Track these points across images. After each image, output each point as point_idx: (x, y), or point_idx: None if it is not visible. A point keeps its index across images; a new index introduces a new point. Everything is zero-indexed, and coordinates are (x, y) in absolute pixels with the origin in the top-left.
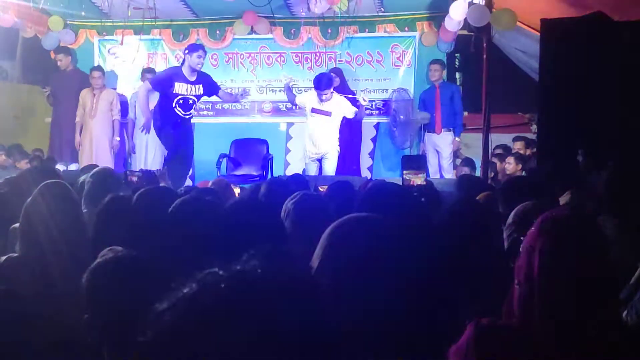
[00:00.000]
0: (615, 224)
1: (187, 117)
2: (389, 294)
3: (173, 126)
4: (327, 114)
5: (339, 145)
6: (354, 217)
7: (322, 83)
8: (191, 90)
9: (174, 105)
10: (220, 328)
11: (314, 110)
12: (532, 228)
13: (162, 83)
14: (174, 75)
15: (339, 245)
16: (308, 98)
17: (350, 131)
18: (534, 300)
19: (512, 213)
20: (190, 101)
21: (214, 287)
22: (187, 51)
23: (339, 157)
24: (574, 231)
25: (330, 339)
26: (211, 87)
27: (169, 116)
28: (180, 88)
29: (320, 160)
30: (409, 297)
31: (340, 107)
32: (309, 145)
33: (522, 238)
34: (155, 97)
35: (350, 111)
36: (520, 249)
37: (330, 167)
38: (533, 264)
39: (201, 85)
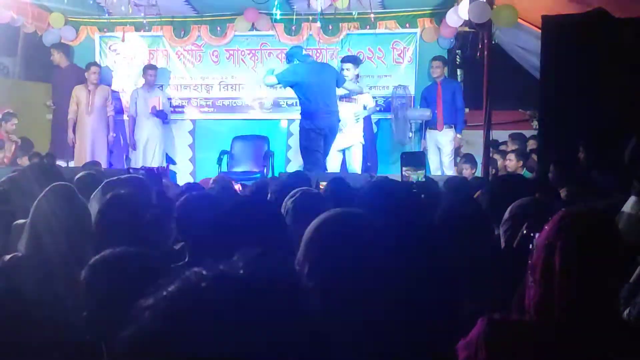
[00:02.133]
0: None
1: None
2: (373, 291)
3: None
4: (351, 99)
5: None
6: (337, 213)
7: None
8: None
9: None
10: (198, 328)
11: (340, 98)
12: (549, 225)
13: None
14: None
15: (321, 241)
16: None
17: (365, 127)
18: (554, 298)
19: (509, 209)
20: None
21: (194, 287)
22: None
23: (363, 150)
24: (596, 230)
25: (313, 341)
26: None
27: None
28: None
29: (343, 152)
30: (397, 294)
31: (361, 95)
32: None
33: (532, 234)
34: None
35: (369, 99)
36: (534, 246)
37: (355, 160)
38: (553, 262)
39: None
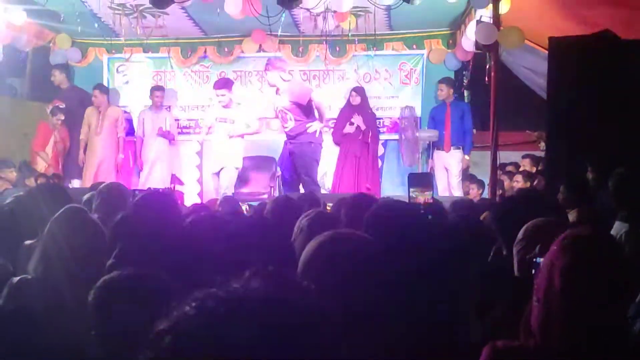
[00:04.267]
0: (625, 230)
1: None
2: (371, 314)
3: None
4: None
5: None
6: (335, 234)
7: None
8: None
9: None
10: (218, 352)
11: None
12: (554, 246)
13: None
14: None
15: (319, 262)
16: None
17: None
18: (554, 318)
19: (523, 229)
20: (283, 114)
21: (212, 310)
22: None
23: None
24: (596, 250)
25: None
26: None
27: None
28: None
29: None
30: (397, 317)
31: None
32: None
33: (535, 258)
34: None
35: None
36: (540, 266)
37: (228, 183)
38: (554, 282)
39: (285, 95)
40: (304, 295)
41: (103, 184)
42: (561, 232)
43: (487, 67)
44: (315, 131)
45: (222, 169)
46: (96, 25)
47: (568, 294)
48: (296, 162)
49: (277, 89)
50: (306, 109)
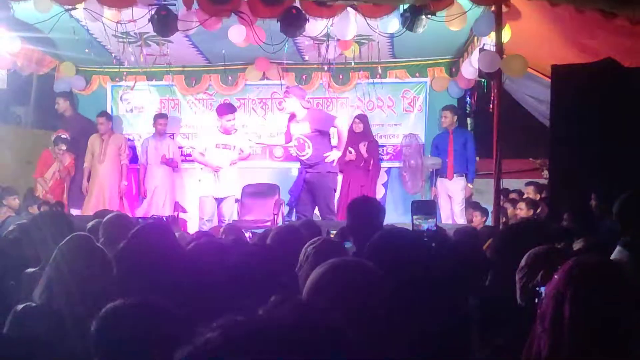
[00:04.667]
0: (629, 256)
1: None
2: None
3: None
4: (228, 145)
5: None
6: (339, 262)
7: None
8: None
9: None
10: None
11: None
12: (558, 275)
13: None
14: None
15: (322, 290)
16: None
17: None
18: (563, 347)
19: (525, 256)
20: (301, 140)
21: (238, 336)
22: None
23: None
24: (606, 279)
25: None
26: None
27: None
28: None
29: (219, 202)
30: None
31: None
32: None
33: (538, 287)
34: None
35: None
36: (543, 295)
37: (228, 212)
38: (562, 311)
39: (307, 123)
40: (330, 323)
41: (107, 214)
42: (563, 261)
43: (491, 95)
44: (333, 160)
45: (225, 198)
46: (90, 52)
47: (578, 323)
48: (315, 192)
49: (294, 116)
50: (326, 137)
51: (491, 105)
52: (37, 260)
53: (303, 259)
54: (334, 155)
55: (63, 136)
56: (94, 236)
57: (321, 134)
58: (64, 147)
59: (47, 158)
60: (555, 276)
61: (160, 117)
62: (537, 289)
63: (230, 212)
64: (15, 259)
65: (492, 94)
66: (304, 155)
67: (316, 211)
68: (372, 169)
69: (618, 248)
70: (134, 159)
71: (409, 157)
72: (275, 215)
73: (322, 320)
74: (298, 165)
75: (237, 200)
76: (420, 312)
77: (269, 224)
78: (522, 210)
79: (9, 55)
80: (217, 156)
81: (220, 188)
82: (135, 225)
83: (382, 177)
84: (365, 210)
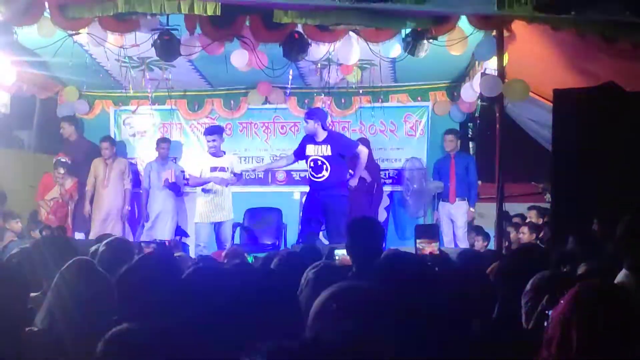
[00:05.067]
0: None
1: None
2: None
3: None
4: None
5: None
6: (344, 286)
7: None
8: (319, 150)
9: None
10: None
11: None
12: (565, 299)
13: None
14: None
15: (328, 313)
16: None
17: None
18: None
19: (531, 281)
20: (320, 162)
21: None
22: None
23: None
24: (612, 304)
25: None
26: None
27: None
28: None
29: (215, 226)
30: None
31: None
32: None
33: (547, 310)
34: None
35: (236, 163)
36: (550, 319)
37: (226, 237)
38: (570, 336)
39: (329, 145)
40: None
41: (109, 238)
42: (568, 285)
43: (493, 119)
44: (350, 185)
45: (223, 222)
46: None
47: (585, 348)
48: (328, 214)
49: (313, 137)
50: (344, 162)
51: (489, 133)
52: (39, 285)
53: (304, 284)
54: (353, 182)
55: (62, 160)
56: (95, 260)
57: (341, 158)
58: (62, 171)
59: (47, 181)
60: (562, 301)
61: (162, 141)
62: (546, 312)
63: (228, 236)
64: (18, 284)
65: (494, 118)
66: (320, 177)
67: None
68: (376, 193)
69: (622, 272)
70: (136, 183)
71: (412, 181)
72: (278, 240)
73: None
74: (300, 189)
75: (238, 225)
76: (425, 336)
77: (271, 248)
78: (525, 235)
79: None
80: (217, 180)
81: (217, 212)
82: (136, 249)
83: (385, 201)
84: (364, 230)
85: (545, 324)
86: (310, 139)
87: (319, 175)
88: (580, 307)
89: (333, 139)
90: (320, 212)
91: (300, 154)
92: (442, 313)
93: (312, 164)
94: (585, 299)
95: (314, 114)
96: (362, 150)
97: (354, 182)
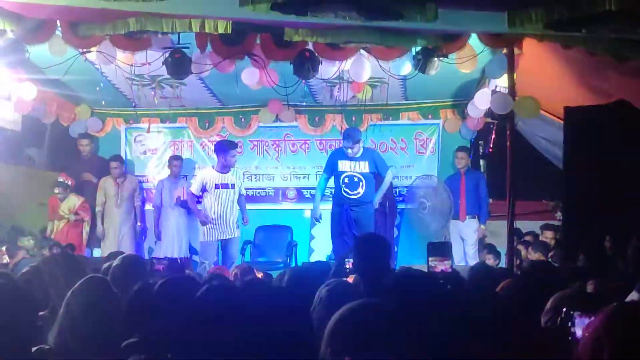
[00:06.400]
0: None
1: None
2: None
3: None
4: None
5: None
6: (359, 304)
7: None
8: (356, 167)
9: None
10: None
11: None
12: (597, 320)
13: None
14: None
15: (343, 332)
16: None
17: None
18: None
19: (552, 299)
20: (356, 179)
21: None
22: None
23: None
24: None
25: None
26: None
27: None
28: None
29: (221, 243)
30: None
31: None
32: None
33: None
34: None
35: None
36: (581, 339)
37: (234, 254)
38: (602, 357)
39: (367, 162)
40: None
41: (119, 255)
42: (590, 303)
43: (494, 136)
44: (375, 202)
45: (230, 239)
46: (100, 89)
47: None
48: (361, 230)
49: (351, 153)
50: (375, 181)
51: (490, 147)
52: (47, 303)
53: (317, 301)
54: (377, 200)
55: (60, 180)
56: (108, 277)
57: (375, 177)
58: (56, 191)
59: (53, 202)
60: (593, 319)
61: (175, 158)
62: (572, 330)
63: (235, 254)
64: (29, 301)
65: (504, 136)
66: (355, 194)
67: None
68: (389, 212)
69: (633, 293)
70: (145, 200)
71: (428, 198)
72: (288, 257)
73: None
74: (310, 206)
75: (249, 242)
76: (439, 354)
77: (282, 265)
78: (536, 253)
79: (27, 100)
80: (217, 197)
81: (223, 230)
82: (148, 266)
83: (395, 219)
84: (372, 248)
85: (570, 338)
86: (342, 154)
87: (354, 192)
88: (614, 328)
89: (370, 156)
90: (353, 227)
91: (331, 170)
92: (455, 330)
93: (346, 180)
94: (620, 320)
95: (355, 136)
96: (389, 173)
97: (378, 200)
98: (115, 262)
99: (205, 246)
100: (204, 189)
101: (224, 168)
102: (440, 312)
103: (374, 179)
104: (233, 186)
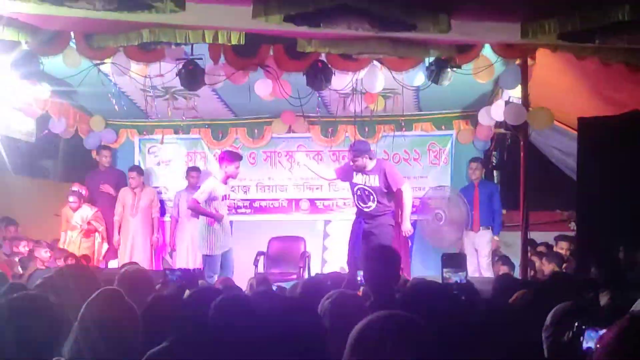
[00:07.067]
0: None
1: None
2: None
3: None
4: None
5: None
6: (382, 315)
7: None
8: (367, 180)
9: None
10: None
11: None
12: (611, 332)
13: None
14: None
15: (367, 345)
16: None
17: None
18: None
19: (551, 314)
20: (367, 192)
21: None
22: None
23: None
24: None
25: None
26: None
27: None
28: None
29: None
30: None
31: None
32: None
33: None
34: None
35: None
36: (594, 352)
37: (229, 266)
38: None
39: (377, 176)
40: None
41: (127, 267)
42: (590, 316)
43: (508, 145)
44: (405, 231)
45: (228, 250)
46: (114, 101)
47: None
48: (372, 243)
49: (365, 166)
50: (387, 194)
51: (506, 156)
52: (62, 314)
53: (321, 314)
54: (406, 228)
55: (74, 188)
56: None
57: (389, 190)
58: (70, 199)
59: (67, 213)
60: (607, 332)
61: (192, 170)
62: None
63: (232, 264)
64: (44, 313)
65: (518, 147)
66: (367, 208)
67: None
68: (402, 222)
69: None
70: (163, 212)
71: (444, 209)
72: (302, 268)
73: None
74: (324, 217)
75: (262, 253)
76: None
77: (295, 276)
78: (550, 264)
79: (38, 104)
80: (221, 209)
81: (225, 242)
82: (161, 277)
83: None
84: (380, 260)
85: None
86: (363, 170)
87: (366, 205)
88: (629, 341)
89: (382, 170)
90: (365, 240)
91: (344, 175)
92: (469, 341)
93: (358, 192)
94: (634, 332)
95: (359, 150)
96: (407, 189)
97: (406, 228)
98: (119, 275)
99: (209, 259)
100: (211, 199)
101: (227, 179)
102: (456, 323)
103: (386, 193)
104: (229, 197)
